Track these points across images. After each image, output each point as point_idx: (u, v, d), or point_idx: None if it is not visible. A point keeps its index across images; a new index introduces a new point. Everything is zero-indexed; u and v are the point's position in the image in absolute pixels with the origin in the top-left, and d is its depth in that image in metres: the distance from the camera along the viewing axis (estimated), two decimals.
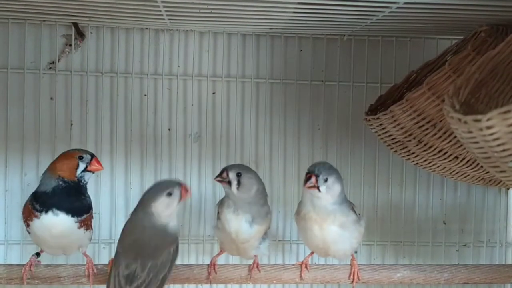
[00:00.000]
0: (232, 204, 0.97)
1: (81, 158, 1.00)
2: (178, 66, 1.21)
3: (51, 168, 1.00)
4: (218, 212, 1.01)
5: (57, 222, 0.94)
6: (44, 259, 1.11)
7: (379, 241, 1.27)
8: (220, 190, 1.22)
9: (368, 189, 1.26)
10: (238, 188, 0.97)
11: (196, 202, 1.23)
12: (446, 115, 0.73)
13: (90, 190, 1.17)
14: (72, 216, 0.96)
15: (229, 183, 0.97)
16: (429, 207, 1.28)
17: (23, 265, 0.96)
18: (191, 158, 1.22)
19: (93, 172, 1.02)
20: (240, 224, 0.96)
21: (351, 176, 1.25)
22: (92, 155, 1.01)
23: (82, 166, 0.99)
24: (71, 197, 0.97)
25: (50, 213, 0.95)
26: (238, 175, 0.98)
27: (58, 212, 0.95)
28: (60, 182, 0.98)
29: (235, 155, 1.23)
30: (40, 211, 0.95)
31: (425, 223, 1.28)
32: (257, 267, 0.97)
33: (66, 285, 1.04)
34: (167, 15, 1.01)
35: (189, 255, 1.22)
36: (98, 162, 1.01)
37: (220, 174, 0.99)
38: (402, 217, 1.27)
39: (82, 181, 1.00)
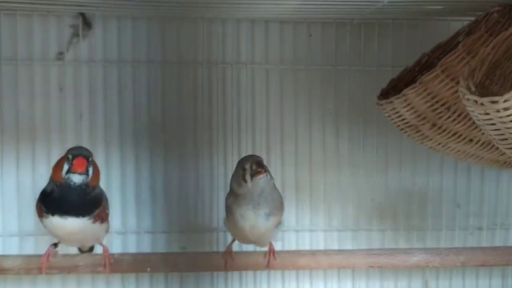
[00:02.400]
0: (252, 199, 0.93)
1: (67, 158, 0.92)
2: (187, 53, 1.20)
3: (52, 168, 0.95)
4: (228, 208, 0.97)
5: (67, 224, 0.90)
6: (61, 249, 1.12)
7: (392, 226, 1.26)
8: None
9: (379, 174, 1.25)
10: (270, 176, 0.95)
11: (207, 191, 1.22)
12: (461, 97, 0.72)
13: (102, 182, 1.18)
14: (82, 216, 0.91)
15: (266, 171, 0.94)
16: (442, 191, 1.27)
17: (40, 255, 0.96)
18: (203, 145, 1.21)
19: (85, 174, 0.91)
20: (256, 219, 0.93)
21: (362, 161, 1.24)
22: (77, 155, 0.91)
23: (65, 167, 0.91)
24: (71, 198, 0.91)
25: (56, 216, 0.90)
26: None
27: (66, 215, 0.90)
28: (54, 186, 0.92)
29: (247, 141, 1.22)
30: (47, 213, 0.91)
31: (438, 208, 1.27)
32: (273, 254, 0.97)
33: (83, 275, 1.05)
34: (176, 2, 1.00)
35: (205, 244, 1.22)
36: (78, 164, 0.90)
37: (259, 165, 0.94)
38: (415, 202, 1.26)
39: (71, 183, 0.91)
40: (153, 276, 1.19)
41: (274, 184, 0.97)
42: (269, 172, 0.94)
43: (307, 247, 1.23)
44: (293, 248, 1.24)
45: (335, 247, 1.24)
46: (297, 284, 1.24)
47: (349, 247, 1.24)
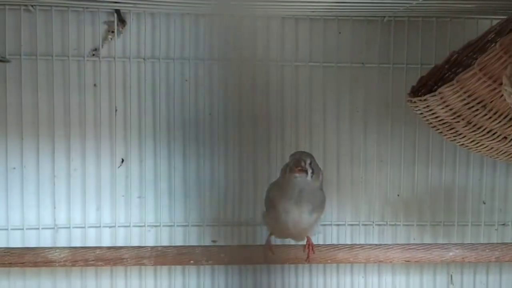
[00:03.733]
0: (296, 195, 0.94)
1: None
2: (219, 50, 1.21)
3: None
4: (271, 201, 0.97)
5: None
6: (106, 241, 1.14)
7: (418, 221, 1.28)
8: (260, 174, 1.24)
9: (407, 170, 1.27)
10: (312, 177, 0.95)
11: (237, 185, 1.24)
12: (507, 96, 0.73)
13: (134, 176, 1.21)
14: None
15: (306, 171, 0.95)
16: (468, 187, 1.28)
17: (86, 248, 0.98)
18: (233, 142, 1.23)
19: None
20: (300, 215, 0.94)
21: (390, 158, 1.26)
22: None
23: None
24: None
25: None
26: (310, 163, 0.96)
27: None
28: None
29: (276, 138, 1.24)
30: None
31: (464, 203, 1.29)
32: (312, 248, 0.99)
33: (128, 267, 1.07)
34: None
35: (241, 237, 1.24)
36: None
37: (298, 163, 0.95)
38: (442, 197, 1.28)
39: None
40: (199, 268, 1.22)
41: (320, 185, 0.97)
42: (312, 174, 0.94)
43: (334, 241, 1.26)
44: (320, 242, 1.27)
45: (362, 241, 1.26)
46: (338, 277, 1.27)
47: (375, 241, 1.26)
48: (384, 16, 1.22)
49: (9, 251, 0.95)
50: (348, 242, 1.25)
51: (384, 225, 1.28)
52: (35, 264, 0.94)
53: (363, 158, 1.26)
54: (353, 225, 1.28)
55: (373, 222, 1.28)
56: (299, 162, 0.94)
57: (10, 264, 0.94)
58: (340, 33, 1.24)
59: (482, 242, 1.24)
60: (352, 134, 1.26)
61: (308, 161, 0.94)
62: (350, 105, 1.25)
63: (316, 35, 1.24)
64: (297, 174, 0.94)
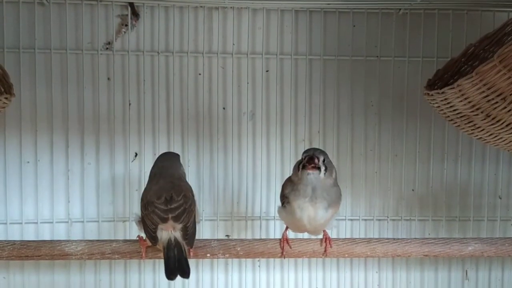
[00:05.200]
0: (310, 192, 0.93)
1: None
2: (233, 44, 1.21)
3: None
4: (285, 197, 0.97)
5: None
6: (120, 235, 1.14)
7: (433, 216, 1.27)
8: (274, 169, 1.23)
9: (422, 165, 1.26)
10: (325, 174, 0.94)
11: (250, 180, 1.24)
12: None
13: (148, 169, 1.19)
14: None
15: (319, 169, 0.94)
16: (484, 182, 1.27)
17: (102, 241, 0.98)
18: (247, 136, 1.23)
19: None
20: (316, 212, 0.93)
21: (405, 153, 1.25)
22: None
23: None
24: None
25: None
26: (323, 160, 0.95)
27: None
28: None
29: (290, 132, 1.23)
30: None
31: (480, 198, 1.27)
32: (329, 242, 0.98)
33: (141, 261, 1.07)
34: None
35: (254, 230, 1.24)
36: None
37: (311, 161, 0.94)
38: (458, 192, 1.26)
39: None
40: (213, 262, 1.22)
41: (334, 181, 0.96)
42: (325, 171, 0.94)
43: (348, 235, 1.25)
44: (334, 236, 1.26)
45: (376, 236, 1.25)
46: (351, 272, 1.27)
47: (390, 236, 1.25)
48: (400, 9, 1.20)
49: (25, 243, 0.95)
50: (362, 236, 1.25)
51: (399, 220, 1.27)
52: (52, 257, 0.94)
53: (377, 152, 1.25)
54: (367, 220, 1.27)
55: (387, 217, 1.27)
56: (313, 159, 0.93)
57: (27, 257, 0.94)
58: (354, 26, 1.23)
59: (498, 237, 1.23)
60: (366, 128, 1.25)
61: (321, 158, 0.93)
62: (365, 99, 1.24)
63: (330, 28, 1.22)
64: (310, 171, 0.93)
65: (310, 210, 0.93)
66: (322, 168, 0.93)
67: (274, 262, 1.24)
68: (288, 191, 0.96)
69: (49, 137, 1.18)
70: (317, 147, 1.15)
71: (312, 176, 0.93)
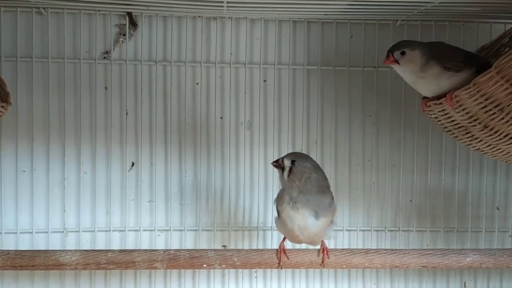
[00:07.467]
0: (289, 199, 0.94)
1: None
2: (231, 54, 1.21)
3: None
4: (277, 208, 0.98)
5: None
6: (115, 246, 1.13)
7: (431, 227, 1.26)
8: (272, 178, 1.23)
9: (420, 176, 1.26)
10: (288, 175, 0.95)
11: (248, 190, 1.23)
12: None
13: (144, 180, 1.20)
14: None
15: (283, 169, 0.97)
16: (482, 193, 1.27)
17: (97, 250, 0.97)
18: (244, 146, 1.22)
19: None
20: (305, 220, 0.93)
21: (403, 163, 1.25)
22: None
23: None
24: None
25: None
26: (293, 162, 0.96)
27: None
28: None
29: (288, 142, 1.23)
30: None
31: (478, 209, 1.27)
32: (327, 253, 0.97)
33: (137, 271, 1.06)
34: (227, 2, 1.01)
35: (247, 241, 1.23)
36: None
37: (277, 160, 0.99)
38: (455, 203, 1.26)
39: None
40: (210, 272, 1.21)
41: (318, 189, 0.96)
42: (288, 172, 0.95)
43: (345, 246, 1.24)
44: (331, 246, 1.25)
45: (374, 247, 1.24)
46: (349, 283, 1.26)
47: (387, 247, 1.25)
48: (397, 20, 1.21)
49: (20, 253, 0.94)
50: (360, 247, 1.24)
51: (397, 231, 1.27)
52: (46, 267, 0.92)
53: (375, 163, 1.25)
54: (365, 230, 1.26)
55: (385, 228, 1.26)
56: (278, 159, 0.97)
57: (21, 267, 0.93)
58: (352, 36, 1.23)
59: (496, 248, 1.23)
60: (364, 139, 1.25)
61: (289, 160, 0.96)
62: (362, 109, 1.24)
63: (328, 38, 1.23)
64: (274, 168, 0.97)
65: (298, 219, 0.93)
66: (286, 169, 0.95)
67: (271, 273, 1.23)
68: (278, 203, 0.97)
69: (46, 146, 1.17)
70: (311, 156, 1.14)
71: (280, 175, 0.97)
